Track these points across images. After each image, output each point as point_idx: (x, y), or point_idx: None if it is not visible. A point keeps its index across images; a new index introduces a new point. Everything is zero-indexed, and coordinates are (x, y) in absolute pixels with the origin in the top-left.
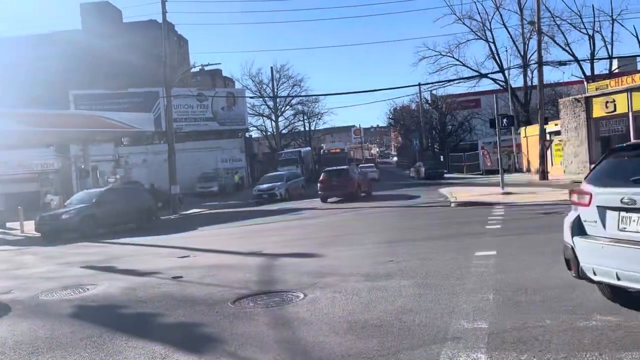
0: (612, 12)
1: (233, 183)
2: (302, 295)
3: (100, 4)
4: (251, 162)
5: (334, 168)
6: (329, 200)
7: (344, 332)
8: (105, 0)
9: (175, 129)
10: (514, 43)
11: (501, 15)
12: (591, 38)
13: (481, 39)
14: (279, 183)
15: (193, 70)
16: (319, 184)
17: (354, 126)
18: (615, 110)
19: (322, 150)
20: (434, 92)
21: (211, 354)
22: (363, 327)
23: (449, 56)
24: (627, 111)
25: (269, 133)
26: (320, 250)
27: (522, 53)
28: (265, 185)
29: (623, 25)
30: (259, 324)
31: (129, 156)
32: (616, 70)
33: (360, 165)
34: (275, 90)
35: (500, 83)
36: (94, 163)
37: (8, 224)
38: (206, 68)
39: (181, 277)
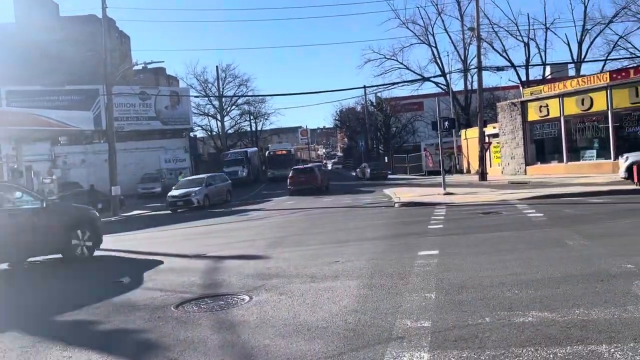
0: (545, 21)
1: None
2: (247, 298)
3: None
4: (196, 163)
5: (302, 167)
6: (294, 195)
7: (289, 335)
8: None
9: (116, 128)
10: (455, 48)
11: (443, 21)
12: (526, 45)
13: (424, 43)
14: (197, 188)
15: (135, 67)
16: (288, 180)
17: (300, 127)
18: (548, 114)
19: (267, 152)
20: (379, 94)
21: None
22: (309, 329)
23: (393, 59)
24: (559, 115)
25: (214, 133)
26: (267, 252)
27: (462, 58)
28: (179, 191)
29: (556, 34)
30: (203, 329)
31: (67, 156)
32: (549, 76)
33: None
34: (221, 89)
35: (442, 86)
36: (28, 163)
37: None
38: (149, 66)
39: (121, 281)
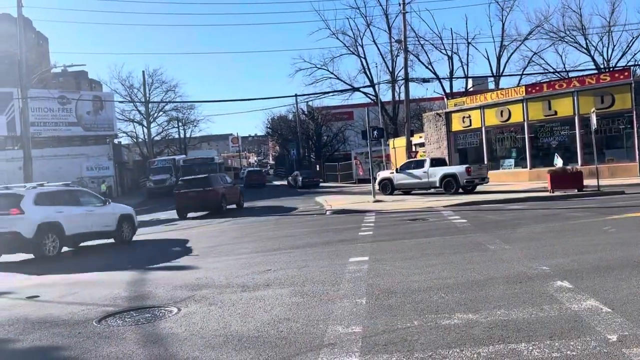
0: (467, 36)
1: (100, 192)
2: (175, 310)
3: None
4: (120, 171)
5: (193, 177)
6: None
7: (219, 346)
8: None
9: (32, 134)
10: (384, 59)
11: (372, 33)
12: (450, 58)
13: (353, 54)
14: None
15: (54, 70)
16: (175, 197)
17: (231, 135)
18: (470, 124)
19: (181, 160)
20: (310, 103)
21: None
22: (240, 339)
23: (324, 69)
24: (480, 126)
25: (140, 140)
26: (196, 262)
27: (390, 69)
28: None
29: (477, 48)
30: (127, 343)
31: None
32: (471, 89)
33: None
34: (147, 95)
35: (371, 97)
36: None
37: None
38: (70, 69)
39: (37, 296)
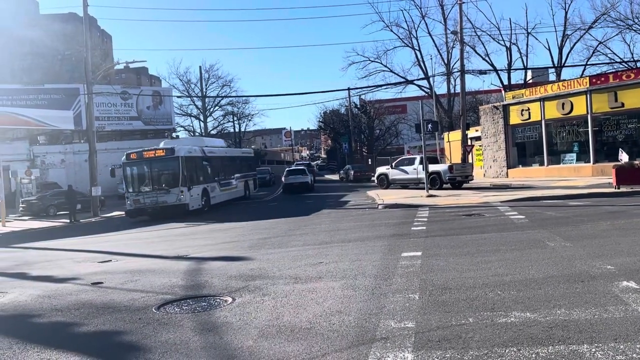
0: (527, 26)
1: None
2: (230, 299)
3: None
4: None
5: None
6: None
7: (272, 336)
8: None
9: (97, 128)
10: (439, 51)
11: (427, 25)
12: (508, 49)
13: (408, 46)
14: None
15: (117, 67)
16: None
17: (284, 129)
18: (529, 118)
19: (125, 156)
20: (363, 96)
21: None
22: (292, 330)
23: (377, 62)
24: (540, 119)
25: (197, 134)
26: (249, 253)
27: (445, 61)
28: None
29: (537, 39)
30: (184, 330)
31: (46, 156)
32: (530, 81)
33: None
34: (204, 90)
35: (426, 89)
36: (6, 163)
37: None
38: (131, 65)
39: (102, 282)
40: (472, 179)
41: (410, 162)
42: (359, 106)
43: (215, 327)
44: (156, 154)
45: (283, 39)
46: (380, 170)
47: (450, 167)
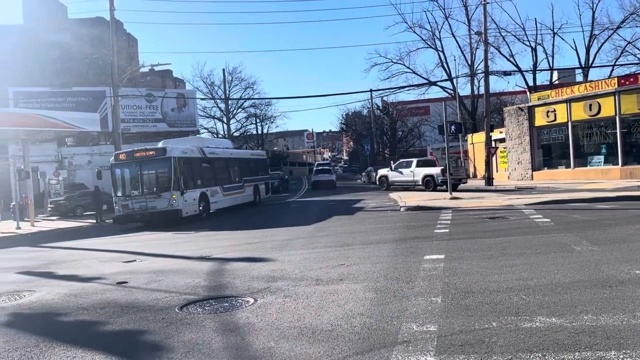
0: (553, 26)
1: None
2: (252, 300)
3: None
4: None
5: None
6: None
7: (294, 338)
8: None
9: (122, 130)
10: (462, 52)
11: (450, 26)
12: (534, 50)
13: (431, 47)
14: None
15: (142, 69)
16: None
17: (306, 130)
18: (555, 119)
19: (113, 157)
20: (385, 98)
21: None
22: (313, 332)
23: (400, 63)
24: (566, 120)
25: (220, 135)
26: (271, 255)
27: (469, 62)
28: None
29: (563, 39)
30: (206, 331)
31: (73, 157)
32: (557, 82)
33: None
34: (227, 92)
35: (449, 91)
36: (35, 164)
37: None
38: (156, 68)
39: (126, 282)
40: (465, 182)
41: (408, 164)
42: (381, 108)
43: (237, 328)
44: (147, 154)
45: (306, 41)
46: (381, 172)
47: (443, 170)
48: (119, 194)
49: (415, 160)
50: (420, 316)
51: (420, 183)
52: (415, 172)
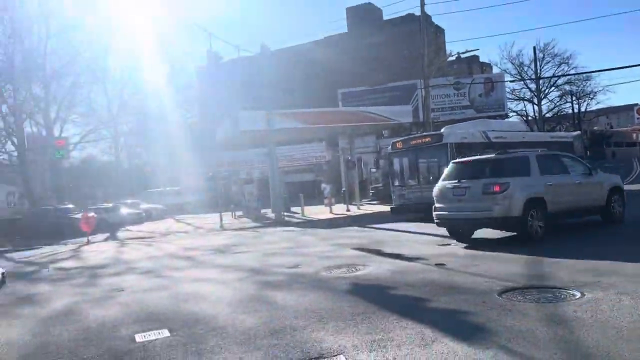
0: None
1: None
2: (578, 294)
3: (364, 5)
4: None
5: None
6: None
7: (635, 340)
8: (368, 1)
9: (432, 119)
10: None
11: None
12: None
13: None
14: None
15: (450, 59)
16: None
17: (636, 104)
18: None
19: (390, 146)
20: None
21: (480, 344)
22: None
23: None
24: None
25: (529, 118)
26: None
27: None
28: None
29: None
30: (529, 319)
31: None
32: None
33: None
34: (538, 71)
35: None
36: (358, 155)
37: (292, 209)
38: (463, 56)
39: (444, 264)
40: None
41: None
42: None
43: (564, 321)
44: (423, 141)
45: (625, 4)
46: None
47: None
48: (396, 183)
49: None
50: None
51: None
52: None
